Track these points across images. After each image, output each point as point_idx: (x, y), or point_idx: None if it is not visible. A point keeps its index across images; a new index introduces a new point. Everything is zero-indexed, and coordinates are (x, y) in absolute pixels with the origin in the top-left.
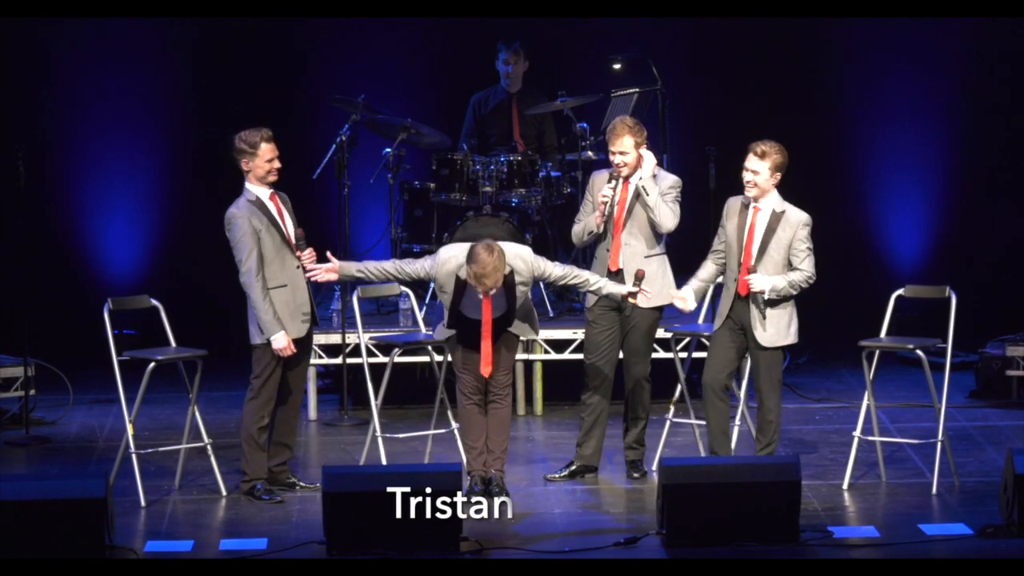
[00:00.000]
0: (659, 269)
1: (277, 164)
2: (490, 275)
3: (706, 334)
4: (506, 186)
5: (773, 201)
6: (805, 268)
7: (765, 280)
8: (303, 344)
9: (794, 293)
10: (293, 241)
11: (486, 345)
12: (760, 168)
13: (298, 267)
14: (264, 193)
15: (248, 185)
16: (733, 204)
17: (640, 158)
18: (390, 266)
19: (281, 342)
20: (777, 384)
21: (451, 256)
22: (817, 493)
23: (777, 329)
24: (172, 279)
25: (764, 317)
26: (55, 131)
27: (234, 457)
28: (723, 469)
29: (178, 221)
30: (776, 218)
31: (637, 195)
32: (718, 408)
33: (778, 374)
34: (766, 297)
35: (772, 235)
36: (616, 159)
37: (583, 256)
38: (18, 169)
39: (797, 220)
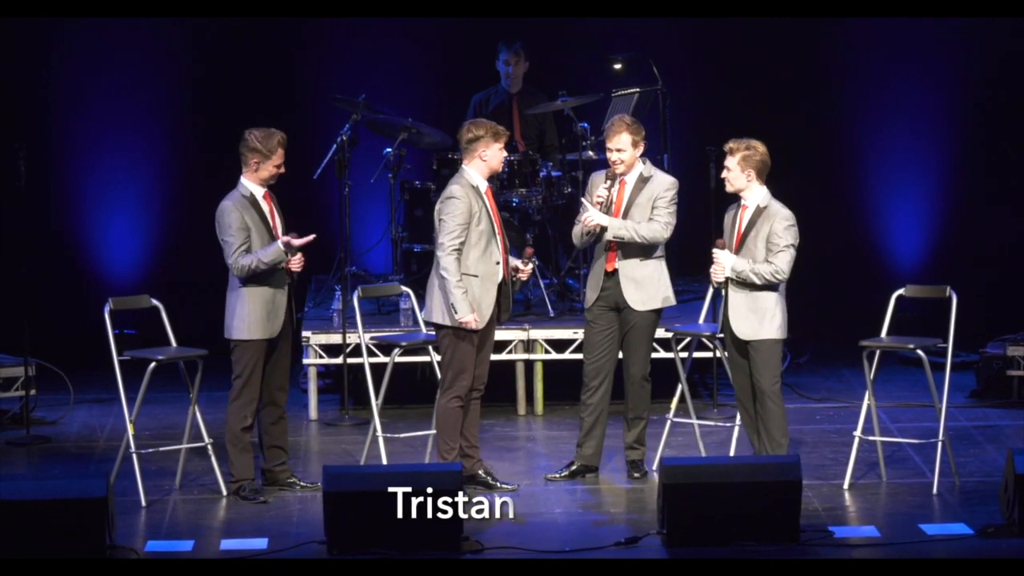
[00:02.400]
0: (656, 272)
1: (283, 169)
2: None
3: (707, 334)
4: (507, 186)
5: (759, 197)
6: (775, 262)
7: (728, 257)
8: (280, 344)
9: (756, 282)
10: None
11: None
12: (730, 164)
13: (281, 267)
14: (259, 191)
15: (244, 180)
16: (728, 212)
17: (635, 158)
18: (455, 268)
19: (291, 239)
20: (768, 380)
21: (453, 188)
22: (818, 493)
23: (750, 323)
24: (173, 279)
25: (732, 308)
26: (56, 131)
27: None
28: (723, 469)
29: (179, 220)
30: (758, 213)
31: (634, 196)
32: (743, 417)
33: (769, 370)
34: (726, 274)
35: (752, 229)
36: (612, 156)
37: (583, 256)
38: (19, 168)
39: (775, 214)
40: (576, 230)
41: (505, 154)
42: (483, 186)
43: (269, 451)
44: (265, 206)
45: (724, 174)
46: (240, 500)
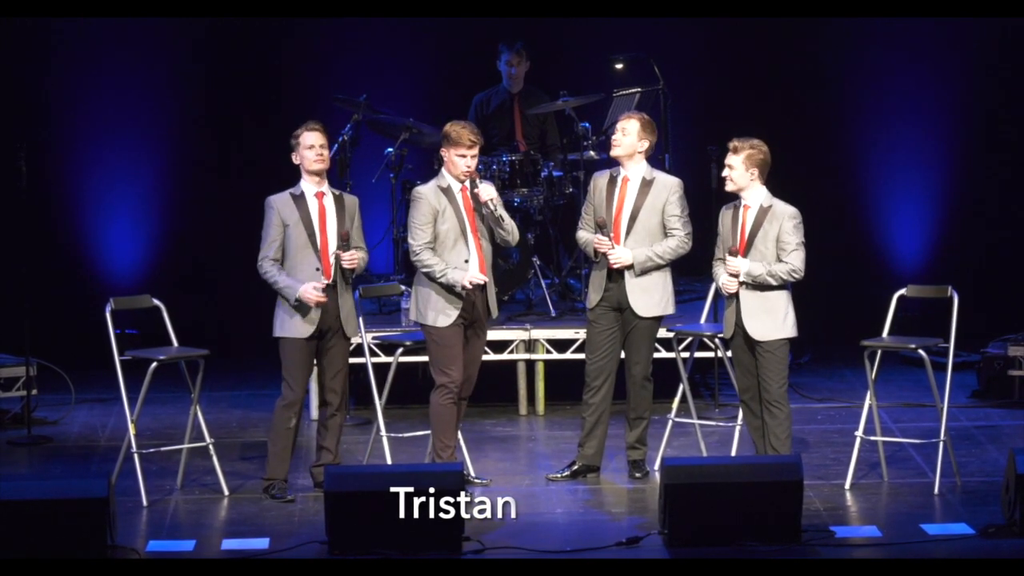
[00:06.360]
0: (660, 279)
1: (320, 152)
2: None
3: (708, 333)
4: (508, 186)
5: (761, 197)
6: (790, 261)
7: (743, 262)
8: (331, 342)
9: (773, 283)
10: (328, 243)
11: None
12: (733, 163)
13: (317, 269)
14: (311, 190)
15: (301, 181)
16: (725, 211)
17: (635, 149)
18: (430, 257)
19: (308, 293)
20: (776, 384)
21: (416, 188)
22: (819, 493)
23: (765, 323)
24: (174, 278)
25: (746, 310)
26: (57, 131)
27: (235, 457)
28: (725, 469)
29: (180, 220)
30: (763, 213)
31: (640, 200)
32: (747, 418)
33: (778, 372)
34: (741, 279)
35: (759, 229)
36: (615, 134)
37: (586, 256)
38: (20, 168)
39: (783, 213)
40: (581, 236)
41: (466, 161)
42: (455, 186)
43: (317, 450)
44: (315, 204)
45: (726, 172)
46: (267, 498)
